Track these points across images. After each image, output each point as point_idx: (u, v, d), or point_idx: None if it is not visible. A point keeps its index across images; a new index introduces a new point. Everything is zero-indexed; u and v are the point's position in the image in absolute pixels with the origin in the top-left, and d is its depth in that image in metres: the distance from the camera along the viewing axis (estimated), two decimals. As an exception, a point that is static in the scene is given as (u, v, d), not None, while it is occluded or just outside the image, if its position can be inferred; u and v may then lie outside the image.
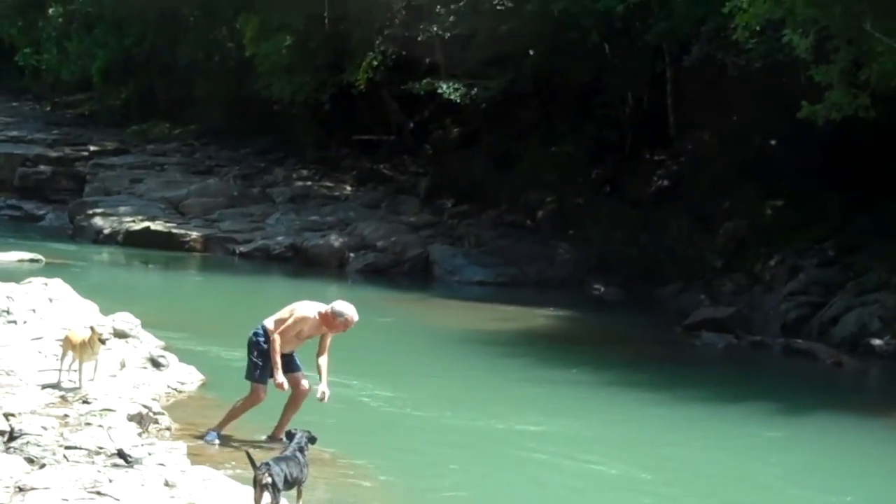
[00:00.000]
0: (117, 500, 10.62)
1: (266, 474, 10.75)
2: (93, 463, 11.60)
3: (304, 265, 32.66)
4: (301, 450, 11.46)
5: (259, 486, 10.80)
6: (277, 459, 11.17)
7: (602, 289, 30.80)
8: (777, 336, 24.86)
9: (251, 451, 11.34)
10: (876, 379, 22.75)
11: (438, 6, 35.04)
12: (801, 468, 14.60)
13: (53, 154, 42.97)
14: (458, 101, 35.32)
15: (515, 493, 13.15)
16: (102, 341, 14.26)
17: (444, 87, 35.03)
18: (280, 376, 13.78)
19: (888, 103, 24.23)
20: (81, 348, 14.15)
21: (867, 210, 28.00)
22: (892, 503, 13.59)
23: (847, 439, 16.26)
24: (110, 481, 11.05)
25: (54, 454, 11.73)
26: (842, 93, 23.45)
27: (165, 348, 17.87)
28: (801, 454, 15.32)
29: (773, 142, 32.43)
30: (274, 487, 10.72)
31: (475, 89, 34.98)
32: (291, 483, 11.08)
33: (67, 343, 14.37)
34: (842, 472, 14.56)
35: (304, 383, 14.11)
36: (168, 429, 14.02)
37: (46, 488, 10.72)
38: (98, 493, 10.72)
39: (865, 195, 28.19)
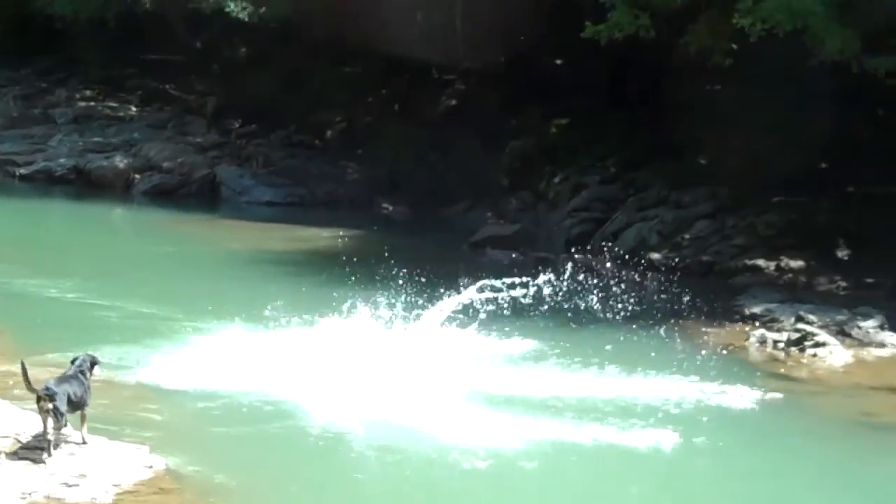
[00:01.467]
0: None
1: (48, 400, 10.63)
2: None
3: (88, 187, 31.95)
4: (83, 372, 11.34)
5: (42, 411, 10.69)
6: (60, 380, 11.04)
7: (391, 208, 30.99)
8: (561, 252, 25.42)
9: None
10: (653, 291, 23.43)
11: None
12: (577, 376, 15.04)
13: None
14: (246, 19, 34.87)
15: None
16: None
17: (232, 5, 34.54)
18: None
19: (668, 23, 24.82)
20: None
21: (649, 129, 28.71)
22: (662, 405, 14.18)
23: (625, 349, 16.79)
24: None
25: None
26: (624, 13, 23.96)
27: (-65, 273, 17.42)
28: (581, 362, 15.76)
29: (558, 62, 32.94)
30: (56, 411, 10.62)
31: (263, 8, 34.56)
32: (75, 404, 10.95)
33: None
34: (614, 378, 15.12)
35: None
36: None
37: None
38: None
39: (647, 114, 28.88)
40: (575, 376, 15.15)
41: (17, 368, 13.32)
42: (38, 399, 10.69)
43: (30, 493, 9.85)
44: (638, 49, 26.44)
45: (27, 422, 11.09)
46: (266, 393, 13.53)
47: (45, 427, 10.65)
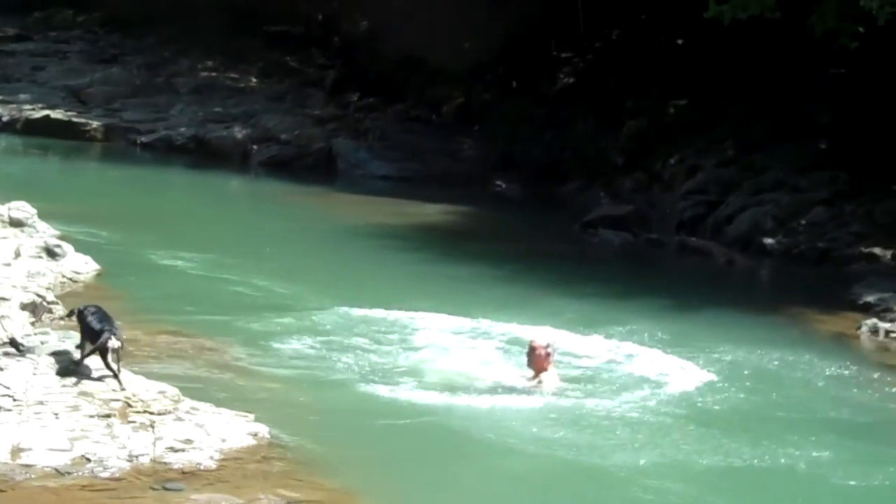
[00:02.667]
0: (7, 388, 10.67)
1: (114, 338, 11.13)
2: (-17, 351, 11.60)
3: (206, 157, 32.35)
4: None
5: (111, 351, 11.12)
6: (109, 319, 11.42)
7: (504, 185, 30.96)
8: (673, 234, 25.22)
9: None
10: (767, 277, 23.24)
11: None
12: (683, 363, 14.91)
13: (-49, 39, 42.04)
14: (368, -6, 35.02)
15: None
16: None
17: (354, -21, 34.68)
18: None
19: (793, 4, 24.43)
20: None
21: (768, 111, 28.30)
22: (779, 394, 13.99)
23: (736, 336, 16.57)
24: (2, 370, 11.07)
25: (-56, 342, 11.73)
26: (749, -7, 23.63)
27: (62, 238, 17.80)
28: (689, 349, 15.61)
29: (679, 41, 32.61)
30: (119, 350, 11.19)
31: (384, -19, 34.69)
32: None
33: None
34: (727, 366, 14.91)
35: None
36: (62, 318, 14.01)
37: (-66, 376, 10.74)
38: (-12, 380, 10.76)
39: (767, 96, 28.48)
40: (679, 361, 14.93)
41: (132, 331, 13.77)
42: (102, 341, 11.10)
43: (137, 457, 10.04)
44: (761, 30, 26.08)
45: (137, 385, 11.29)
46: (379, 374, 13.53)
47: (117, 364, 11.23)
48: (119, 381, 11.20)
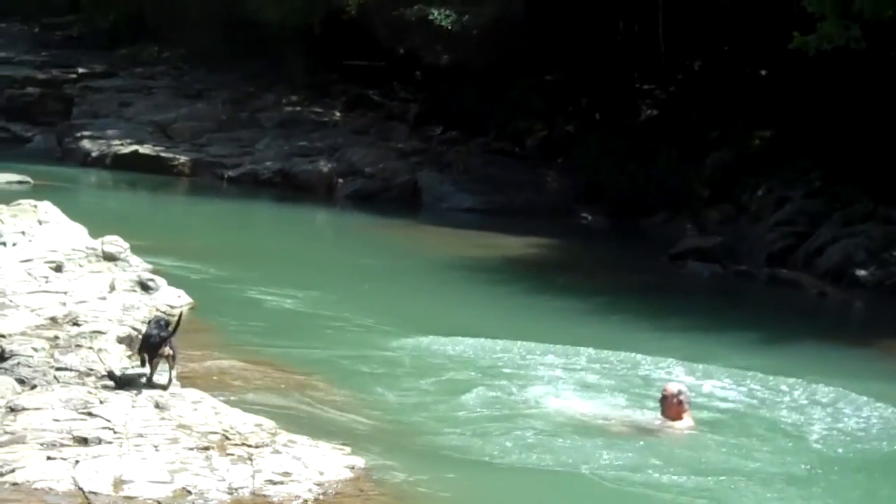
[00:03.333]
0: (108, 420, 10.75)
1: (169, 347, 11.70)
2: (83, 384, 11.72)
3: (292, 191, 32.69)
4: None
5: (165, 357, 11.78)
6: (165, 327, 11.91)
7: (589, 217, 30.91)
8: (762, 266, 25.00)
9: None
10: (860, 310, 22.93)
11: (431, -69, 34.80)
12: (784, 399, 14.70)
13: (41, 76, 42.76)
14: (450, 27, 35.14)
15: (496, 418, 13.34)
16: None
17: (436, 13, 34.84)
18: None
19: (879, 35, 24.20)
20: None
21: (856, 142, 28.02)
22: (874, 431, 13.72)
23: (830, 369, 16.34)
24: (101, 402, 11.18)
25: (45, 375, 11.85)
26: (833, 23, 23.42)
27: (154, 272, 17.98)
28: (777, 386, 15.39)
29: (763, 72, 32.41)
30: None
31: (466, 16, 34.80)
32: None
33: None
34: (824, 403, 14.67)
35: None
36: (158, 351, 14.13)
37: (38, 409, 10.85)
38: (89, 413, 10.85)
39: (854, 127, 28.20)
40: (773, 395, 14.71)
41: (219, 364, 13.89)
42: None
43: (237, 490, 10.06)
44: (847, 60, 25.86)
45: (234, 418, 11.34)
46: (470, 406, 13.45)
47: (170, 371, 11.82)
48: (151, 383, 11.76)
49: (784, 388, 14.85)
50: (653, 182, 30.62)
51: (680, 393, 12.69)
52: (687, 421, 12.69)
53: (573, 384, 14.37)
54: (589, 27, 35.21)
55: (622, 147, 32.11)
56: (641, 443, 12.30)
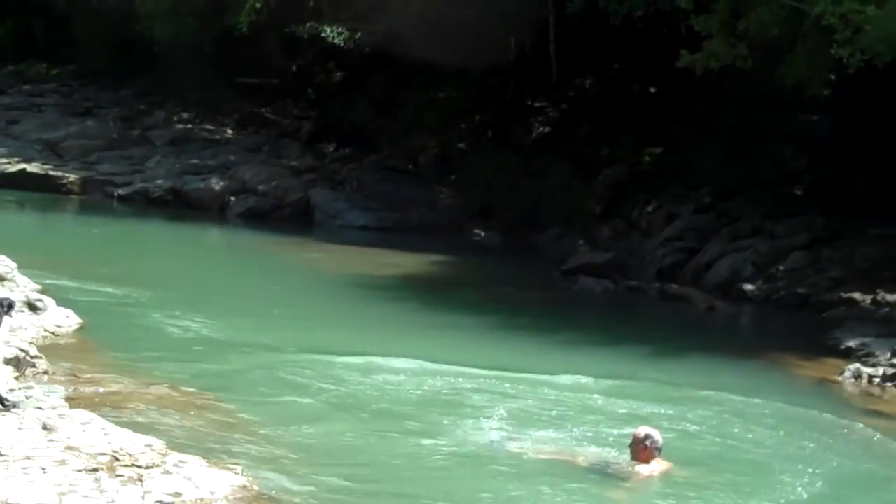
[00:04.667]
0: (-7, 443, 10.58)
1: None
2: (-32, 406, 11.51)
3: (184, 209, 32.40)
4: None
5: None
6: None
7: (483, 234, 31.06)
8: (653, 281, 25.34)
9: None
10: (747, 323, 23.34)
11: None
12: (672, 410, 14.90)
13: (-75, 93, 41.96)
14: (342, 45, 35.17)
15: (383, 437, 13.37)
16: None
17: (328, 30, 34.85)
18: None
19: (765, 53, 24.67)
20: None
21: (742, 158, 28.53)
22: (757, 443, 13.95)
23: (717, 381, 16.63)
24: (-13, 425, 11.00)
25: (-72, 398, 11.62)
26: (720, 42, 23.84)
27: (42, 291, 17.72)
28: (673, 397, 15.63)
29: (652, 90, 32.86)
30: None
31: (359, 34, 34.86)
32: None
33: None
34: (709, 415, 14.91)
35: None
36: (45, 372, 13.95)
37: (-80, 433, 10.65)
38: (-26, 436, 10.67)
39: (741, 143, 28.70)
40: (664, 408, 14.92)
41: (108, 385, 13.72)
42: None
43: (127, 511, 9.98)
44: (733, 78, 26.31)
45: (124, 438, 11.22)
46: (363, 422, 13.47)
47: None
48: None
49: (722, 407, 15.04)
50: (545, 199, 30.87)
51: (647, 437, 12.38)
52: (655, 465, 12.38)
53: (505, 414, 14.11)
54: (481, 44, 35.40)
55: (515, 164, 32.34)
56: (607, 486, 12.11)
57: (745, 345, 20.17)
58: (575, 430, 13.62)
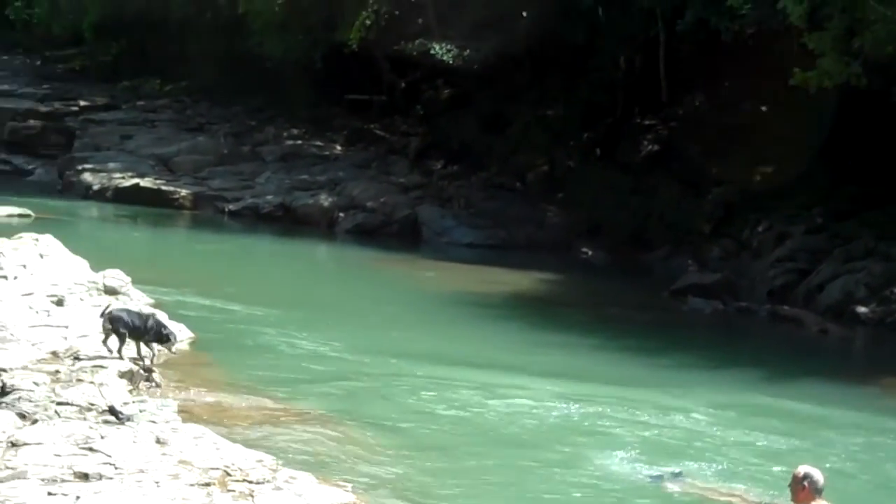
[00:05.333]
0: (109, 455, 10.70)
1: None
2: (84, 419, 11.68)
3: (293, 224, 32.67)
4: None
5: None
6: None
7: (590, 252, 30.89)
8: (763, 302, 24.98)
9: None
10: (860, 346, 22.93)
11: (432, -33, 34.97)
12: (785, 434, 14.67)
13: (43, 109, 42.77)
14: (451, 62, 35.25)
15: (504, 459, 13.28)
16: None
17: (437, 48, 34.95)
18: None
19: (881, 72, 24.25)
20: None
21: (856, 178, 28.05)
22: (872, 466, 13.67)
23: (830, 406, 16.36)
24: (102, 437, 11.13)
25: (46, 410, 11.81)
26: (834, 60, 23.51)
27: (155, 305, 17.95)
28: (786, 420, 15.39)
29: (763, 108, 32.47)
30: None
31: (468, 51, 34.90)
32: None
33: None
34: (824, 438, 14.66)
35: None
36: (158, 386, 14.12)
37: (39, 443, 10.81)
38: (90, 449, 10.80)
39: (855, 163, 28.23)
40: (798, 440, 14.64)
41: (220, 399, 13.86)
42: None
43: (237, 526, 10.05)
44: (847, 96, 25.91)
45: (236, 453, 11.29)
46: (489, 448, 13.39)
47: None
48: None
49: None
50: (653, 217, 30.62)
51: (806, 477, 11.17)
52: None
53: (640, 443, 13.87)
54: (590, 62, 35.29)
55: (623, 182, 32.12)
56: None
57: (859, 369, 19.81)
58: (715, 463, 13.23)
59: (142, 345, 14.35)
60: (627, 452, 13.34)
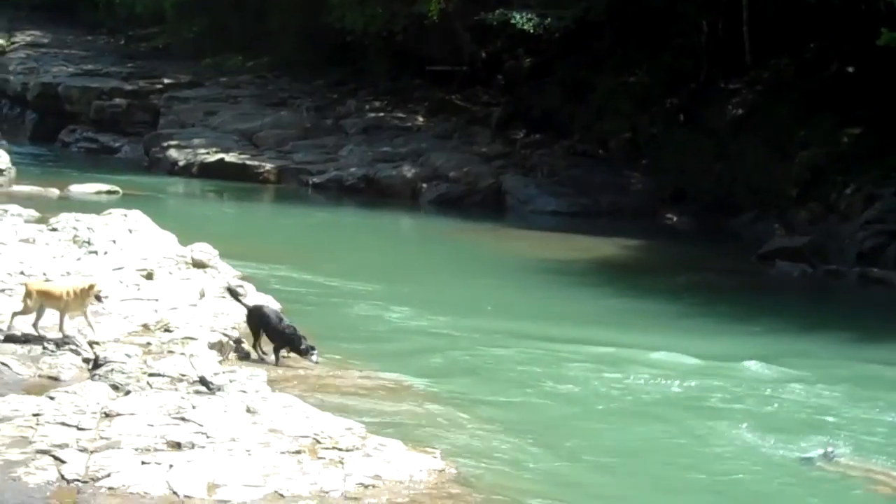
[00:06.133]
0: (201, 425, 10.82)
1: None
2: (176, 390, 11.81)
3: (376, 196, 32.81)
4: None
5: None
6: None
7: (675, 218, 30.70)
8: (853, 265, 24.66)
9: None
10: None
11: (512, -65, 34.80)
12: (873, 399, 14.47)
13: (128, 87, 43.33)
14: (531, 30, 35.09)
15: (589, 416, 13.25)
16: (98, 298, 13.30)
17: (517, 17, 34.80)
18: None
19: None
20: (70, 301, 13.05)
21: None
22: None
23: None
24: (193, 407, 11.25)
25: (138, 381, 11.96)
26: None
27: (243, 278, 18.08)
28: (881, 385, 15.19)
29: (850, 69, 31.99)
30: None
31: (548, 19, 34.72)
32: None
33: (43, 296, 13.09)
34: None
35: None
36: (248, 356, 14.24)
37: (132, 414, 10.96)
38: (182, 418, 10.93)
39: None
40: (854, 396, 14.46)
41: (309, 369, 13.97)
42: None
43: (328, 493, 10.09)
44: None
45: (325, 422, 11.36)
46: (561, 409, 13.40)
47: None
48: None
49: None
50: (739, 182, 30.32)
51: None
52: None
53: (772, 417, 13.53)
54: (672, 27, 34.96)
55: (708, 147, 31.83)
56: None
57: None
58: (848, 438, 12.60)
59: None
60: (755, 427, 12.93)
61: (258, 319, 14.33)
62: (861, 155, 29.03)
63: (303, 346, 14.04)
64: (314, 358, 14.04)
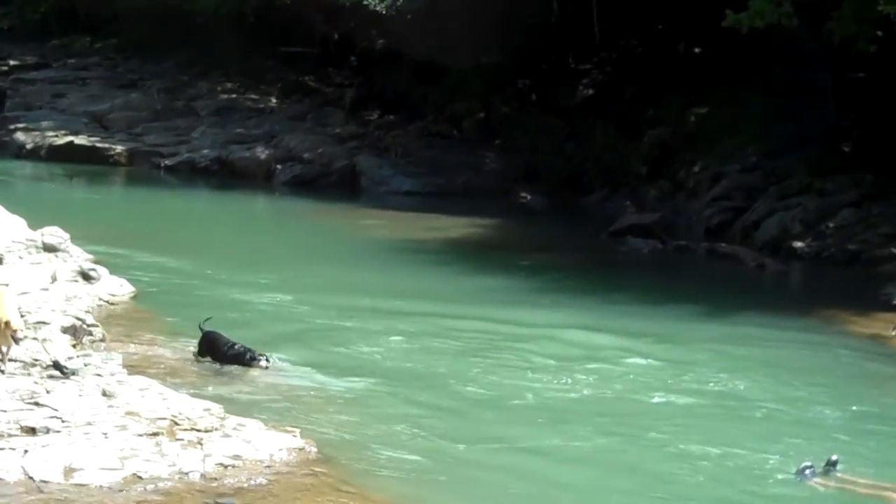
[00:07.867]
0: (56, 410, 10.71)
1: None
2: (29, 375, 11.65)
3: (230, 178, 32.56)
4: None
5: None
6: None
7: (528, 197, 31.02)
8: (701, 240, 25.26)
9: None
10: (798, 280, 23.25)
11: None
12: (727, 368, 14.90)
13: (-29, 69, 42.29)
14: (383, 11, 35.11)
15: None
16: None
17: (369, -2, 34.79)
18: None
19: (809, 11, 24.45)
20: None
21: (789, 116, 28.30)
22: (813, 399, 13.90)
23: (769, 339, 16.63)
24: (48, 392, 11.13)
25: (-11, 366, 11.76)
26: (765, 1, 23.63)
27: (95, 261, 17.86)
28: (727, 356, 15.63)
29: (697, 50, 32.65)
30: None
31: (400, 1, 34.77)
32: None
33: None
34: (764, 371, 14.90)
35: None
36: (102, 340, 14.11)
37: (-16, 400, 10.80)
38: (36, 403, 10.81)
39: (787, 101, 28.48)
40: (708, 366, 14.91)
41: (164, 352, 13.90)
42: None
43: (187, 474, 10.08)
44: (779, 36, 26.09)
45: (182, 403, 11.34)
46: (420, 385, 13.56)
47: None
48: None
49: None
50: (590, 161, 30.81)
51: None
52: None
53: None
54: (523, 9, 35.27)
55: (559, 127, 32.27)
56: None
57: (797, 302, 20.05)
58: (685, 406, 13.23)
59: None
60: (594, 392, 13.55)
61: (206, 345, 14.00)
62: (708, 134, 29.68)
63: (247, 358, 13.77)
64: (262, 364, 13.75)
